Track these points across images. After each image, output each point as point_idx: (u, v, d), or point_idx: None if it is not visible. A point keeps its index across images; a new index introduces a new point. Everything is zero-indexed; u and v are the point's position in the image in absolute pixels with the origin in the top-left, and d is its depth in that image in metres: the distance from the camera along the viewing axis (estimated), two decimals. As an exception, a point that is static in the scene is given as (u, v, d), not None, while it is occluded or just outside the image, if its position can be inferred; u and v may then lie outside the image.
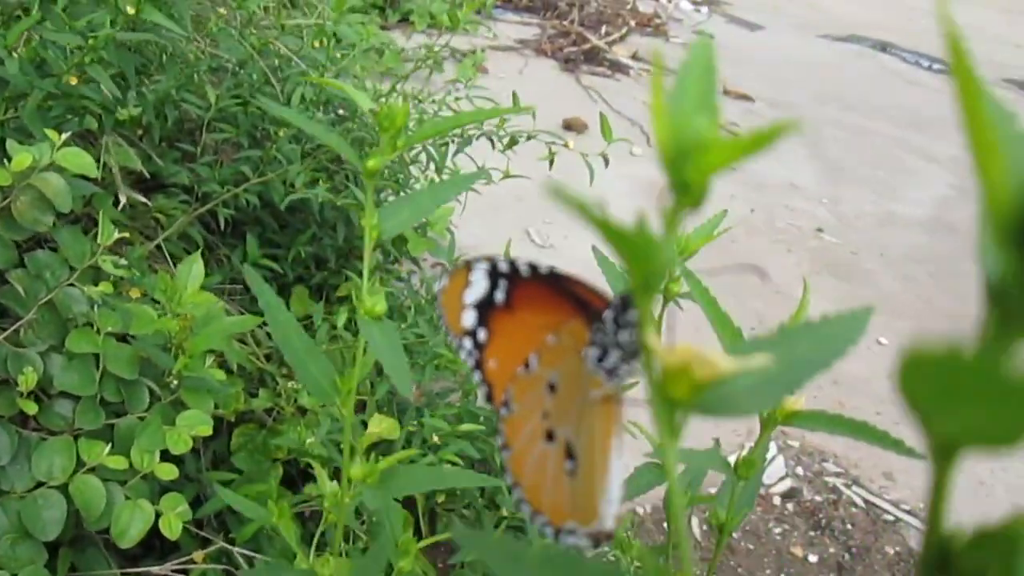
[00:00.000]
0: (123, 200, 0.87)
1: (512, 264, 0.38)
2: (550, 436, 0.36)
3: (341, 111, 1.41)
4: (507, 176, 1.17)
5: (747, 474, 0.47)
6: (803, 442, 1.50)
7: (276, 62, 1.31)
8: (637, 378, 0.36)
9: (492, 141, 1.19)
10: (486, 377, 0.39)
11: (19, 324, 0.77)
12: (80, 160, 0.75)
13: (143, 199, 0.95)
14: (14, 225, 0.75)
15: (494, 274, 0.38)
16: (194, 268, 0.87)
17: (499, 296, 0.38)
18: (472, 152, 1.24)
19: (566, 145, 1.15)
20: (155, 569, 0.85)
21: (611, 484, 0.34)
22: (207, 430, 0.83)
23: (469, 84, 1.48)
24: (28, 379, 0.75)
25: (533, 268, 0.38)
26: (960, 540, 0.16)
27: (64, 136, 0.74)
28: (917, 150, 2.88)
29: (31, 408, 0.76)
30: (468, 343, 0.39)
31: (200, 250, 1.31)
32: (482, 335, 0.39)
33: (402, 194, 1.42)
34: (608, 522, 0.35)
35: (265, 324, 1.37)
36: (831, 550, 1.29)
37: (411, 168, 1.42)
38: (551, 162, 1.16)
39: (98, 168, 1.12)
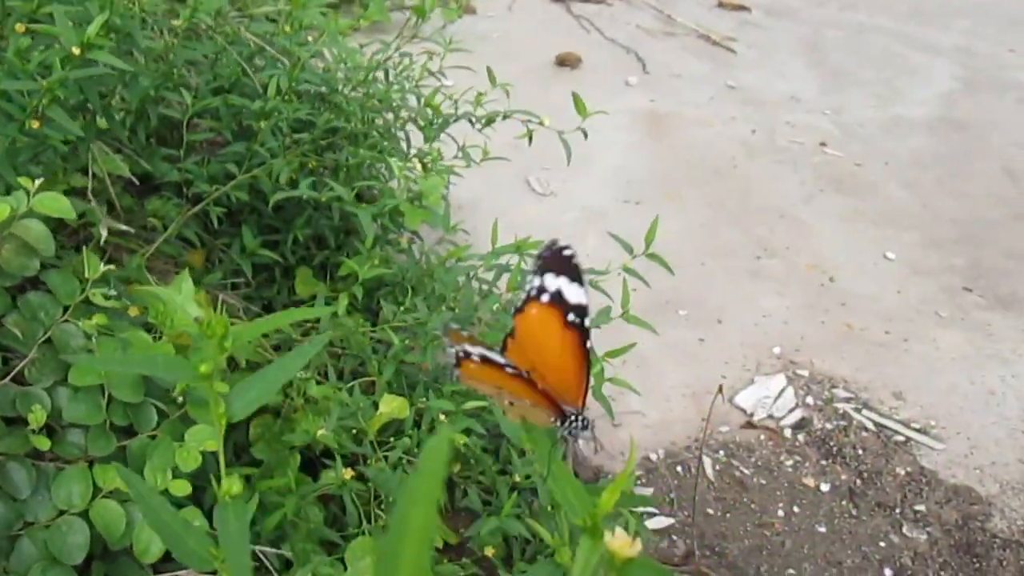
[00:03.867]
0: (104, 233, 0.89)
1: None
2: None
3: (323, 89, 1.41)
4: (486, 157, 1.18)
5: None
6: (812, 370, 1.51)
7: (249, 51, 1.30)
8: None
9: (471, 122, 1.19)
10: None
11: (22, 365, 0.80)
12: (57, 204, 0.77)
13: (122, 229, 0.96)
14: (2, 273, 0.77)
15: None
16: (184, 287, 0.89)
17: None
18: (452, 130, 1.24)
19: (541, 123, 1.14)
20: (182, 573, 0.90)
21: None
22: (215, 444, 0.87)
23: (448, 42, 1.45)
24: (37, 416, 0.79)
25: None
26: None
27: (38, 182, 0.76)
28: (920, 44, 2.80)
29: (44, 444, 0.80)
30: None
31: (200, 247, 1.34)
32: None
33: (397, 164, 1.43)
34: None
35: (269, 312, 1.40)
36: (843, 477, 1.32)
37: (404, 132, 1.42)
38: (529, 139, 1.16)
39: (87, 178, 1.14)
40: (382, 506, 1.09)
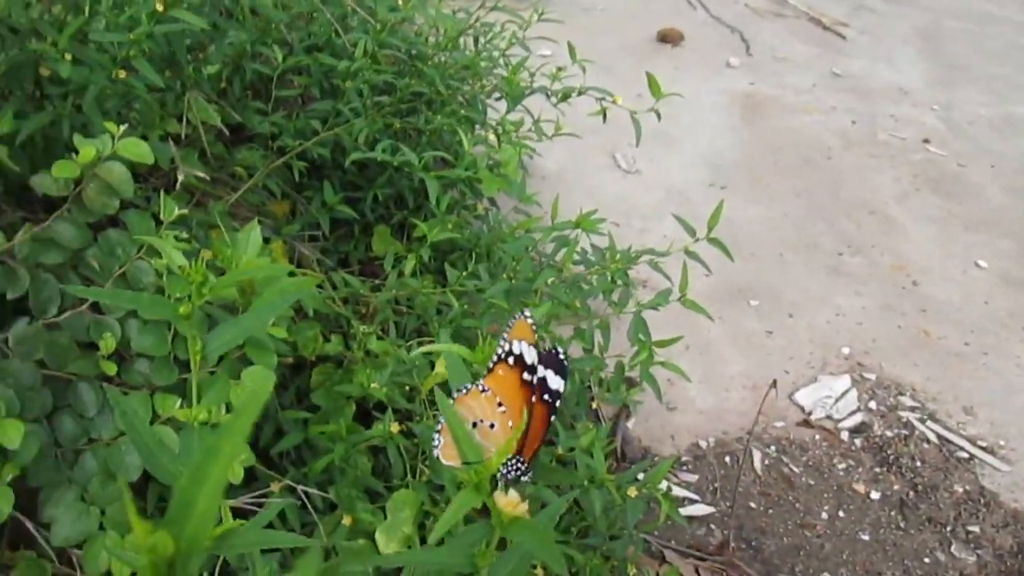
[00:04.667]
0: (180, 177, 0.95)
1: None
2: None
3: (413, 52, 1.44)
4: (558, 132, 1.18)
5: None
6: (880, 374, 1.48)
7: (341, 12, 1.34)
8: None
9: (547, 95, 1.20)
10: None
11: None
12: (138, 149, 0.82)
13: (199, 175, 1.01)
14: (85, 210, 0.83)
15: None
16: (252, 235, 0.94)
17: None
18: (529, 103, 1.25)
19: (615, 101, 1.14)
20: (231, 501, 0.96)
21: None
22: (269, 385, 0.92)
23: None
24: (107, 344, 0.85)
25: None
26: None
27: (123, 128, 0.81)
28: (1051, 44, 2.65)
29: (111, 369, 0.86)
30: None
31: (286, 199, 1.40)
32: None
33: (478, 127, 1.45)
34: None
35: (344, 266, 1.45)
36: (896, 487, 1.29)
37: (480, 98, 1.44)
38: (604, 116, 1.16)
39: (181, 125, 1.20)
40: (427, 462, 1.13)
